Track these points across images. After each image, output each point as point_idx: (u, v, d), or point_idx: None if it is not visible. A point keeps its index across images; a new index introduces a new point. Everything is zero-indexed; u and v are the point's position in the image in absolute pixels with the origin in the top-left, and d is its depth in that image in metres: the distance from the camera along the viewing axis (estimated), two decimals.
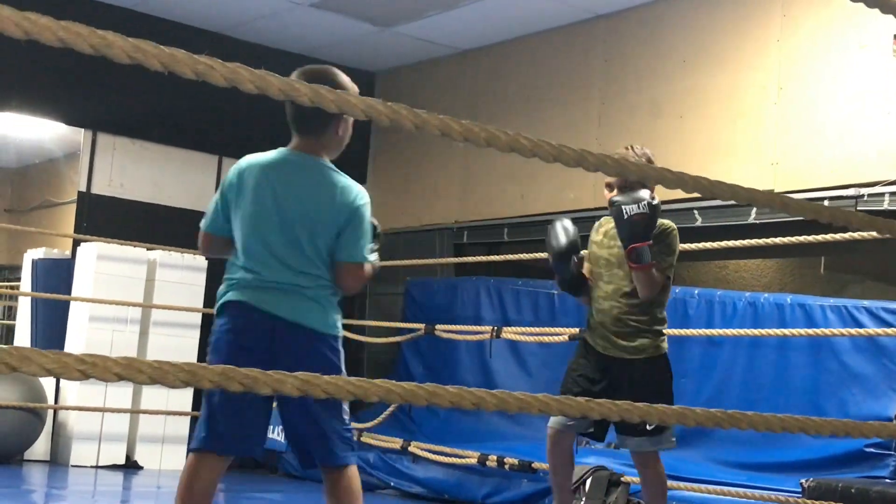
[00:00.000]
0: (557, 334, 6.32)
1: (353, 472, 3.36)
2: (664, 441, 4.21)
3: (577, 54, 7.76)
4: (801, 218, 6.03)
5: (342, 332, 3.41)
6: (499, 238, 8.10)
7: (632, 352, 4.19)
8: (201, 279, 7.82)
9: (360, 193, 3.44)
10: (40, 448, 7.29)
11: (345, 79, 3.54)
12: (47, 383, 7.27)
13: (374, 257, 3.46)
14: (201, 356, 7.44)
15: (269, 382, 1.67)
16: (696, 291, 6.50)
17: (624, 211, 4.01)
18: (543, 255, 6.84)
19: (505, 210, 8.07)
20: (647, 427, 4.10)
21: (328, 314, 3.34)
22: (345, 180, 3.45)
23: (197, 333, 7.76)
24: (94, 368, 1.51)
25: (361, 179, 9.36)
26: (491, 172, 8.20)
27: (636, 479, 5.39)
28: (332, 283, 3.35)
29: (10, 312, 9.92)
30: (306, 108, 1.73)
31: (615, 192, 4.14)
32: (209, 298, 7.83)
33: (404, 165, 9.07)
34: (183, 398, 7.65)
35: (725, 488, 5.25)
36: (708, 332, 6.04)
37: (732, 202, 6.37)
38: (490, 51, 8.41)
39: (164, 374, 1.58)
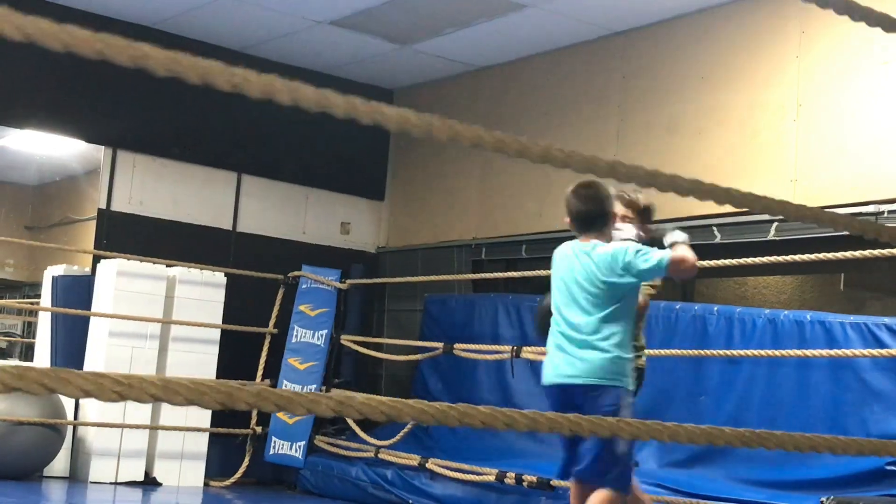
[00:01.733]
0: None
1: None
2: None
3: (594, 71, 7.78)
4: (820, 234, 6.04)
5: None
6: (517, 255, 8.11)
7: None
8: (220, 295, 7.85)
9: None
10: (60, 464, 7.31)
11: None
12: (67, 399, 7.29)
13: None
14: (220, 372, 7.47)
15: (303, 403, 1.69)
16: (716, 308, 6.49)
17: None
18: None
19: (523, 226, 8.08)
20: None
21: None
22: None
23: (216, 349, 7.78)
24: (130, 390, 1.53)
25: (379, 196, 9.40)
26: (509, 189, 8.22)
27: (657, 497, 5.38)
28: None
29: (31, 329, 9.96)
30: None
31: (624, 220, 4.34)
32: (228, 314, 7.86)
33: (423, 182, 9.09)
34: (201, 415, 7.66)
35: None
36: (727, 352, 6.03)
37: (751, 219, 6.38)
38: (507, 68, 8.44)
39: (201, 396, 1.60)
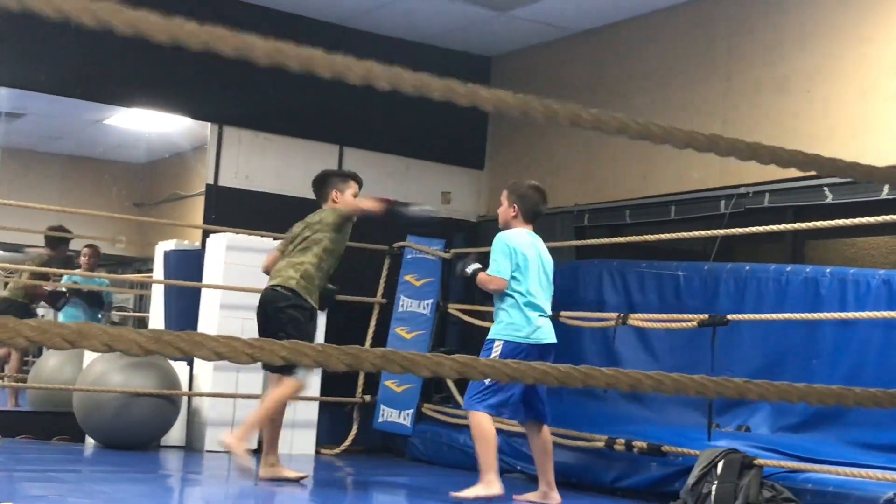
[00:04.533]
0: (686, 321, 6.24)
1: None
2: None
3: (700, 32, 7.64)
4: None
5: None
6: (621, 220, 8.04)
7: None
8: None
9: None
10: (176, 434, 7.51)
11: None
12: (182, 371, 7.48)
13: None
14: (327, 342, 7.57)
15: (427, 365, 1.70)
16: (828, 270, 6.34)
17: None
18: (669, 235, 6.77)
19: (627, 191, 8.00)
20: None
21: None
22: None
23: (323, 320, 7.87)
24: (261, 352, 1.56)
25: (479, 165, 9.40)
26: (613, 153, 8.14)
27: (770, 462, 5.31)
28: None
29: (143, 303, 10.24)
30: None
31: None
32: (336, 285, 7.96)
33: (523, 148, 9.06)
34: (311, 383, 7.78)
35: (862, 470, 5.12)
36: (840, 315, 5.89)
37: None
38: (609, 30, 8.33)
39: (328, 358, 1.62)
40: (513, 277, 5.62)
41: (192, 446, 7.56)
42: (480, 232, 9.23)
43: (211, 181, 8.41)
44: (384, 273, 8.37)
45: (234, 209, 8.28)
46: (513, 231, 5.77)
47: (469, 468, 7.08)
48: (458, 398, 7.54)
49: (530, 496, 5.74)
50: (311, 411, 7.81)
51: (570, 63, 8.67)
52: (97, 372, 7.09)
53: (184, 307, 7.87)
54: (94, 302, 9.54)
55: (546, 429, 5.78)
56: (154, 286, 8.56)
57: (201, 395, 7.54)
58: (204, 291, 7.78)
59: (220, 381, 7.49)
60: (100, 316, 9.62)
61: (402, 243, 8.31)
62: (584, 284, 7.75)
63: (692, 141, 1.85)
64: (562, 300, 7.60)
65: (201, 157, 8.92)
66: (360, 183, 6.41)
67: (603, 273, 7.64)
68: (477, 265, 5.86)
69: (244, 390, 7.55)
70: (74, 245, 9.65)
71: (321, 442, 7.88)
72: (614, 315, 6.72)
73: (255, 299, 7.63)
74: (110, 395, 6.94)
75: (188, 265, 8.00)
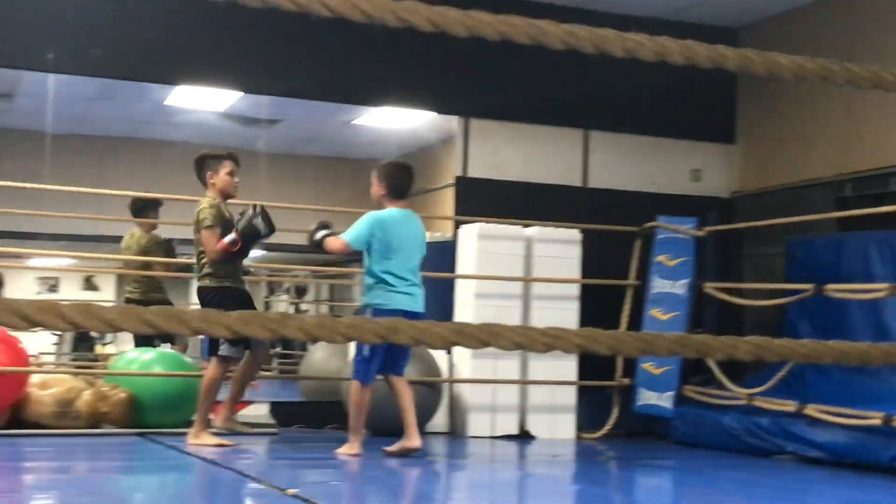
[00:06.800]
0: None
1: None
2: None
3: None
4: None
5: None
6: (886, 188, 7.65)
7: None
8: (576, 252, 7.97)
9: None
10: (440, 420, 7.71)
11: None
12: (441, 359, 7.67)
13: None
14: (582, 327, 7.56)
15: (721, 349, 1.68)
16: None
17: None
18: None
19: (894, 157, 7.60)
20: None
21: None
22: None
23: (576, 305, 7.91)
24: (556, 340, 1.58)
25: (730, 139, 9.17)
26: (877, 118, 7.74)
27: None
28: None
29: None
30: None
31: None
32: (585, 270, 7.97)
33: (776, 120, 8.76)
34: (568, 368, 7.82)
35: None
36: None
37: None
38: None
39: (620, 344, 1.63)
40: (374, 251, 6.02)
41: (456, 432, 7.74)
42: (735, 208, 8.99)
43: (460, 173, 8.58)
44: (636, 255, 8.29)
45: (483, 199, 8.41)
46: (391, 210, 6.12)
47: (736, 450, 6.94)
48: (722, 379, 7.38)
49: (395, 445, 6.12)
50: (569, 396, 7.84)
51: (824, 30, 8.29)
52: None
53: (439, 297, 8.06)
54: None
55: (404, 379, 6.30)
56: None
57: (461, 381, 7.71)
58: (458, 281, 7.94)
59: (478, 367, 7.64)
60: None
61: (652, 224, 8.20)
62: (850, 257, 7.43)
63: None
64: (823, 274, 7.31)
65: (448, 149, 9.12)
66: (236, 161, 6.44)
67: (870, 245, 7.30)
68: (325, 230, 6.13)
69: (503, 376, 7.67)
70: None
71: (581, 426, 7.90)
72: (885, 286, 6.40)
73: (508, 288, 7.77)
74: (377, 384, 7.18)
75: (442, 256, 8.19)
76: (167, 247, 8.53)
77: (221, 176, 6.35)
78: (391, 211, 6.12)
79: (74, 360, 8.67)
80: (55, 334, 11.77)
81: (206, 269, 6.33)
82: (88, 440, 6.43)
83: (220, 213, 6.28)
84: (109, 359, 8.75)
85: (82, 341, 8.49)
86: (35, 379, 6.82)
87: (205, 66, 8.06)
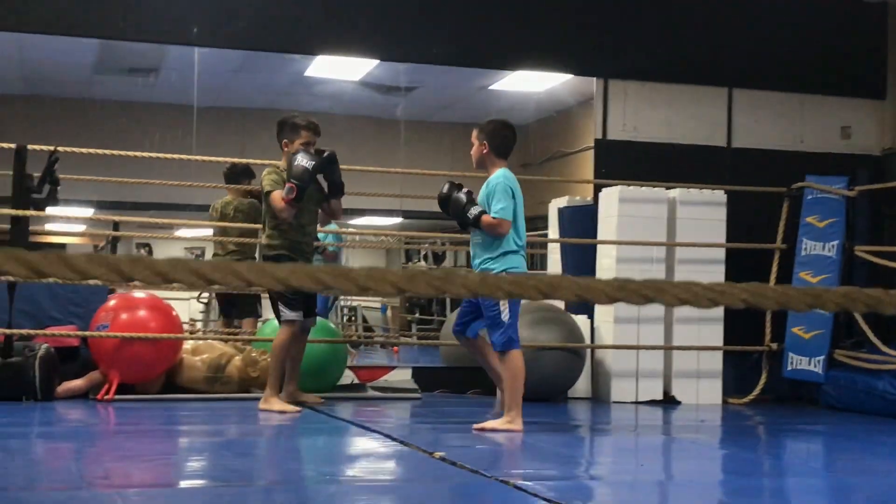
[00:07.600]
0: None
1: None
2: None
3: None
4: None
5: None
6: None
7: None
8: (721, 214, 7.80)
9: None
10: (582, 385, 7.67)
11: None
12: (584, 324, 7.62)
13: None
14: None
15: (892, 303, 1.61)
16: None
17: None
18: None
19: None
20: None
21: None
22: None
23: (722, 268, 7.75)
24: (721, 296, 1.54)
25: (879, 93, 8.82)
26: None
27: None
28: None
29: (541, 261, 10.52)
30: None
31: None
32: (730, 232, 7.79)
33: None
34: (714, 333, 7.68)
35: None
36: None
37: None
38: None
39: (788, 298, 1.57)
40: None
41: (598, 397, 7.69)
42: (886, 167, 8.66)
43: (599, 136, 8.47)
44: (783, 217, 8.06)
45: (623, 161, 8.30)
46: (506, 171, 5.84)
47: (891, 415, 6.71)
48: (876, 342, 7.14)
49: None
50: (715, 361, 7.71)
51: None
52: None
53: (581, 262, 8.00)
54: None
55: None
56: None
57: (604, 347, 7.64)
58: (599, 245, 7.86)
59: (620, 333, 7.56)
60: None
61: (800, 184, 7.96)
62: None
63: None
64: None
65: (586, 112, 9.00)
66: (315, 131, 6.29)
67: None
68: (469, 203, 5.77)
69: (645, 341, 7.57)
70: None
71: (728, 392, 7.75)
72: None
73: (651, 252, 7.65)
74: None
75: (582, 220, 8.12)
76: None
77: (295, 145, 6.24)
78: (509, 173, 5.86)
79: (224, 326, 8.88)
80: (202, 302, 12.13)
81: (264, 241, 6.36)
82: (239, 404, 6.60)
83: (279, 178, 6.25)
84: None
85: (231, 306, 8.70)
86: (187, 345, 7.03)
87: (343, 35, 8.14)
